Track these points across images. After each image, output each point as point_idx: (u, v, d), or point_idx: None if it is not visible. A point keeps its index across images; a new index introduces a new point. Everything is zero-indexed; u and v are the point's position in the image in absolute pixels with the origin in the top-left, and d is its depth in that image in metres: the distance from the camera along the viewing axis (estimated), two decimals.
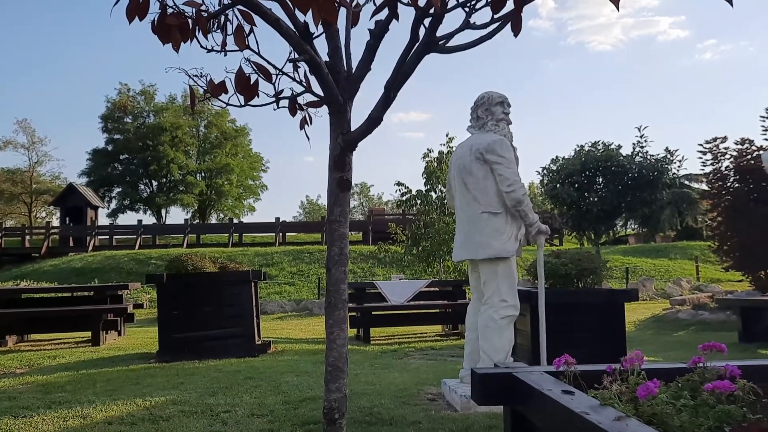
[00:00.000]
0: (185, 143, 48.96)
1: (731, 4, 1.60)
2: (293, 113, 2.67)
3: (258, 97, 2.46)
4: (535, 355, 5.87)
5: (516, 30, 2.09)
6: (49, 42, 71.83)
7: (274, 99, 2.57)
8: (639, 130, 19.38)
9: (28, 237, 34.21)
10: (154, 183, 49.31)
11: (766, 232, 11.53)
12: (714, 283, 19.94)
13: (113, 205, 49.54)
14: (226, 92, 2.49)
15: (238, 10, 2.36)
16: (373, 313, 10.61)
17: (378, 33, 2.33)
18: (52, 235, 33.26)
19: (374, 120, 2.34)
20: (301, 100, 2.68)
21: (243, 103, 2.42)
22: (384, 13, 2.29)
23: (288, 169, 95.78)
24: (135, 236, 32.88)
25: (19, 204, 51.13)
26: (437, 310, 11.41)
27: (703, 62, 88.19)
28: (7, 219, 50.26)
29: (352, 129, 2.44)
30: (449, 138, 20.31)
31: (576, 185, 18.47)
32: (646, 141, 19.13)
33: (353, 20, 2.60)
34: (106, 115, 49.15)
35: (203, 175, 50.42)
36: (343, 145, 2.36)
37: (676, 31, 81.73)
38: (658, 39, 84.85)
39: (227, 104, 2.52)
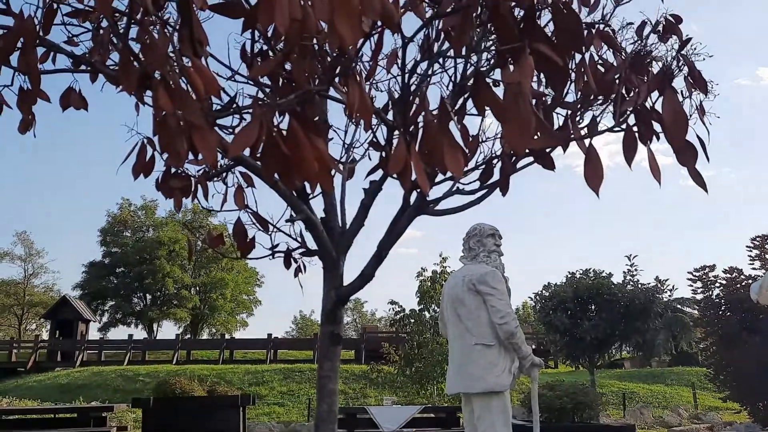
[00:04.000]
0: (182, 257, 48.99)
1: (706, 191, 1.71)
2: (288, 266, 2.78)
3: (254, 248, 2.58)
4: None
5: (504, 191, 2.21)
6: (54, 155, 73.44)
7: (270, 252, 2.69)
8: (629, 258, 19.70)
9: (15, 350, 33.51)
10: (148, 297, 48.91)
11: (761, 363, 11.45)
12: (712, 412, 19.50)
13: (105, 318, 48.93)
14: (224, 244, 2.60)
15: (239, 171, 2.52)
16: None
17: (372, 192, 2.48)
18: (40, 349, 32.62)
19: (366, 276, 2.44)
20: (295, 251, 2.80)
21: (240, 256, 2.54)
22: (379, 174, 2.45)
23: (283, 283, 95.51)
24: (124, 351, 32.28)
25: (9, 316, 50.47)
26: None
27: (687, 188, 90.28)
28: None
29: (344, 275, 2.54)
30: (443, 258, 20.49)
31: (569, 312, 18.56)
32: (636, 269, 19.41)
33: (348, 174, 2.75)
34: (106, 228, 49.42)
35: (197, 289, 50.15)
36: (336, 299, 2.45)
37: (659, 157, 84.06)
38: (642, 165, 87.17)
39: (224, 256, 2.62)
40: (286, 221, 2.54)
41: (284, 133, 1.48)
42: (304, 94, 1.55)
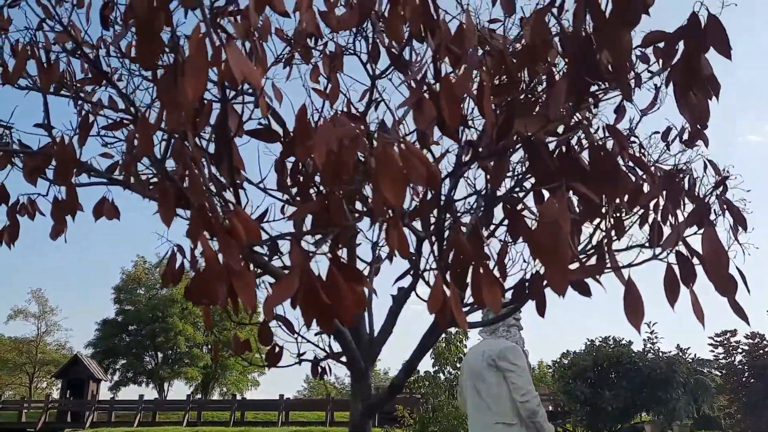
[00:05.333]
0: (195, 314, 48.77)
1: (748, 324, 1.68)
2: (315, 375, 2.76)
3: (281, 358, 2.57)
4: None
5: (541, 312, 2.12)
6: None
7: (297, 360, 2.68)
8: (648, 326, 19.39)
9: (25, 410, 33.19)
10: (160, 355, 48.53)
11: None
12: None
13: (116, 377, 48.50)
14: (250, 350, 2.59)
15: (267, 281, 2.53)
16: None
17: (401, 300, 2.47)
18: (51, 409, 32.30)
19: (396, 388, 2.41)
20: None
21: (268, 365, 2.52)
22: (407, 280, 2.44)
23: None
24: (135, 412, 31.89)
25: (20, 374, 50.17)
26: None
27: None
28: (7, 389, 49.12)
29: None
30: None
31: (589, 380, 18.25)
32: (656, 337, 19.10)
33: (374, 272, 2.75)
34: (120, 286, 49.46)
35: (210, 347, 49.75)
36: (364, 410, 2.41)
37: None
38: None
39: (251, 363, 2.62)
40: (315, 334, 2.54)
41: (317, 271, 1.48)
42: (343, 230, 1.57)
